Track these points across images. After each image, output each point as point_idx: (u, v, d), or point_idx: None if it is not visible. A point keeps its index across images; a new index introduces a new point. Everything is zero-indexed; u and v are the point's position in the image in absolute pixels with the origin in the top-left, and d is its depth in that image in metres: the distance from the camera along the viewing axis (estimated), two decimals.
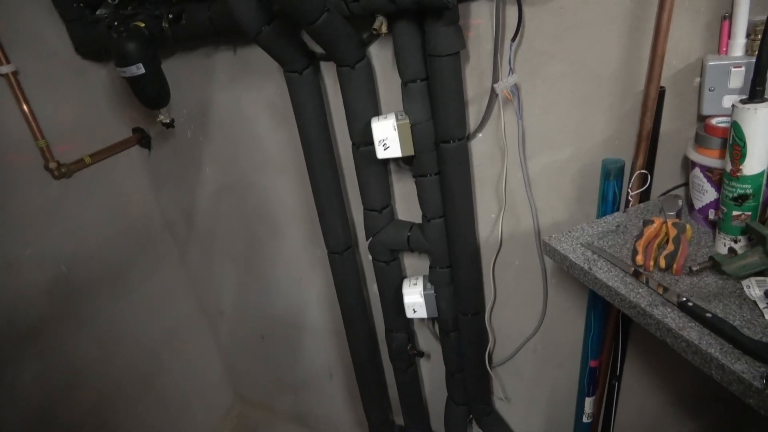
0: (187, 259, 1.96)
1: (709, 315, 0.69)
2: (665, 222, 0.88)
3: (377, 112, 1.22)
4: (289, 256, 1.71)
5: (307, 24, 1.02)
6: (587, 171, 1.11)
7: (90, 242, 1.62)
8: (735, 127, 0.75)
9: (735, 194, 0.78)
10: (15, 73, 1.37)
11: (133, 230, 1.77)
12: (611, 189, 1.04)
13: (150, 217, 1.83)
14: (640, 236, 0.86)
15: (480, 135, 1.18)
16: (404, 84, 1.13)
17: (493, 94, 1.11)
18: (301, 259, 1.68)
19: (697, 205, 0.92)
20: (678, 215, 0.93)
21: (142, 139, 1.69)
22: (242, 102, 1.45)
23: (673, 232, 0.85)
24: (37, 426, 1.53)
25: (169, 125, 1.48)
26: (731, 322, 0.69)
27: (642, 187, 1.02)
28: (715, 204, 0.88)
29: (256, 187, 1.60)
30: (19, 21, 1.40)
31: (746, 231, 0.80)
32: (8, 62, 1.35)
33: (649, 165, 1.02)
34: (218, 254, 1.87)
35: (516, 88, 1.08)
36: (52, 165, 1.44)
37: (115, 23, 1.33)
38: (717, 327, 0.68)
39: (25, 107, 1.39)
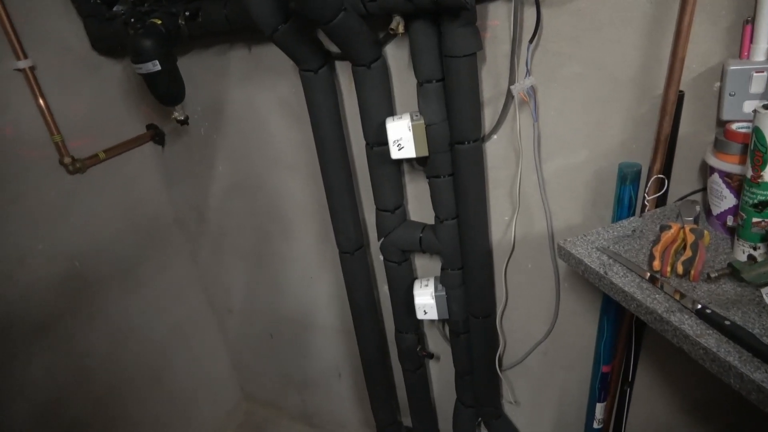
0: (197, 255, 1.97)
1: (727, 322, 0.68)
2: (683, 228, 0.87)
3: (392, 112, 1.22)
4: (299, 254, 1.71)
5: (324, 23, 1.02)
6: (603, 174, 1.10)
7: (102, 237, 1.63)
8: (757, 132, 0.74)
9: (755, 201, 0.77)
10: (32, 68, 1.38)
11: (144, 226, 1.77)
12: (627, 193, 1.03)
13: (161, 214, 1.84)
14: (656, 242, 0.85)
15: (495, 137, 1.18)
16: (420, 84, 1.12)
17: (510, 96, 1.10)
18: (311, 258, 1.68)
19: (715, 211, 0.90)
20: (695, 221, 0.92)
21: (155, 135, 1.70)
22: (256, 100, 1.46)
23: (690, 238, 0.84)
24: (46, 419, 1.54)
25: (184, 122, 1.49)
26: (750, 330, 0.68)
27: (659, 192, 1.01)
28: (734, 210, 0.87)
29: (268, 185, 1.60)
30: (36, 16, 1.41)
31: (766, 238, 0.79)
32: (25, 57, 1.36)
33: (666, 169, 1.01)
34: (228, 251, 1.88)
35: (532, 90, 1.07)
36: (67, 160, 1.45)
37: (132, 20, 1.34)
38: (736, 335, 0.67)
39: (41, 102, 1.40)
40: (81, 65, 1.52)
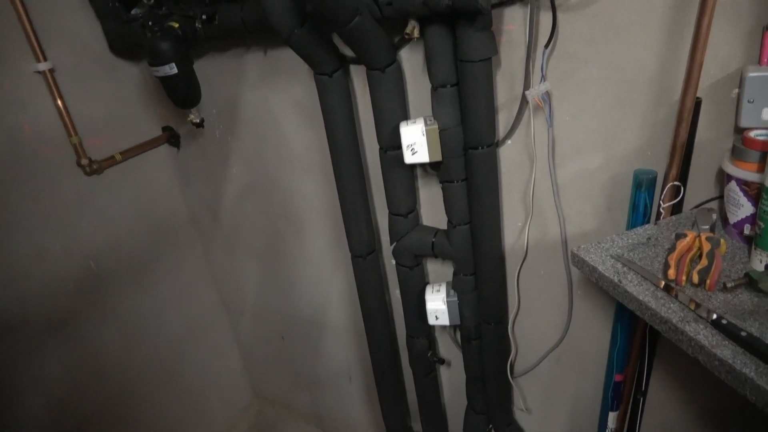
0: (211, 255, 1.98)
1: (743, 333, 0.67)
2: (698, 236, 0.86)
3: (406, 116, 1.22)
4: (311, 256, 1.71)
5: (340, 26, 1.03)
6: (618, 180, 1.09)
7: (117, 236, 1.65)
8: None
9: None
10: (51, 70, 1.40)
11: (159, 226, 1.79)
12: (642, 200, 1.02)
13: (176, 214, 1.85)
14: (672, 250, 0.84)
15: (509, 141, 1.17)
16: (434, 89, 1.12)
17: (524, 101, 1.10)
18: (323, 260, 1.69)
19: (732, 219, 0.89)
20: (712, 229, 0.90)
21: (171, 137, 1.72)
22: (271, 102, 1.46)
23: (706, 247, 0.82)
24: (59, 415, 1.56)
25: (199, 125, 1.50)
26: (767, 341, 0.67)
27: (675, 199, 1.00)
28: (752, 219, 0.85)
29: (281, 186, 1.61)
30: (55, 18, 1.43)
31: None
32: (45, 59, 1.38)
33: (683, 176, 1.00)
34: (241, 252, 1.89)
35: (547, 95, 1.06)
36: (84, 161, 1.47)
37: (150, 23, 1.35)
38: (752, 346, 0.66)
39: (60, 103, 1.42)
40: (99, 67, 1.54)
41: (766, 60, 0.85)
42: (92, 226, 1.57)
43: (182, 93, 1.37)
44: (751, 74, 0.83)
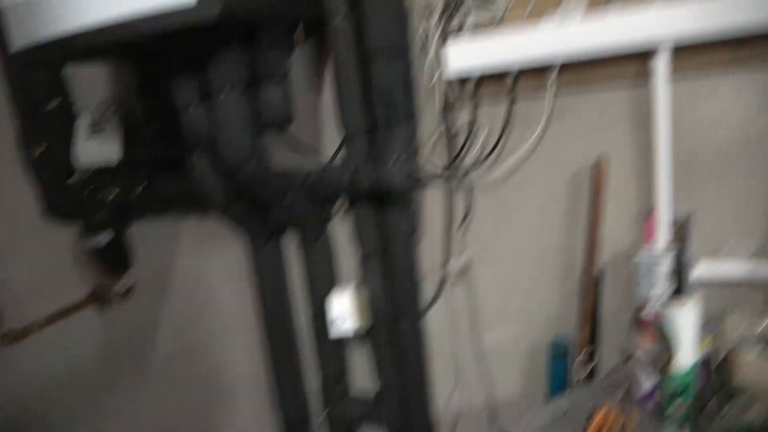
0: (137, 424, 1.85)
1: None
2: (611, 410, 0.89)
3: (336, 283, 1.25)
4: (242, 426, 1.63)
5: (272, 204, 1.09)
6: (537, 346, 1.14)
7: (33, 409, 1.53)
8: (662, 325, 0.80)
9: (671, 389, 0.81)
10: None
11: (80, 397, 1.67)
12: (559, 368, 1.06)
13: (99, 383, 1.74)
14: (586, 429, 0.87)
15: (434, 309, 1.22)
16: (362, 258, 1.18)
17: (446, 272, 1.16)
18: (254, 430, 1.60)
19: (640, 390, 0.93)
20: (624, 398, 0.94)
21: (99, 299, 1.67)
22: (203, 267, 1.48)
23: (618, 423, 0.85)
24: None
25: (128, 291, 1.47)
26: None
27: (589, 365, 1.05)
28: (658, 389, 0.90)
29: (211, 351, 1.57)
30: None
31: (687, 419, 0.82)
32: None
33: (594, 342, 1.06)
34: (169, 421, 1.77)
35: (466, 267, 1.14)
36: (2, 333, 1.40)
37: (87, 191, 1.37)
38: None
39: None
40: (28, 232, 1.53)
41: (650, 240, 0.95)
42: (5, 401, 1.46)
43: (113, 262, 1.38)
44: (638, 260, 0.93)
